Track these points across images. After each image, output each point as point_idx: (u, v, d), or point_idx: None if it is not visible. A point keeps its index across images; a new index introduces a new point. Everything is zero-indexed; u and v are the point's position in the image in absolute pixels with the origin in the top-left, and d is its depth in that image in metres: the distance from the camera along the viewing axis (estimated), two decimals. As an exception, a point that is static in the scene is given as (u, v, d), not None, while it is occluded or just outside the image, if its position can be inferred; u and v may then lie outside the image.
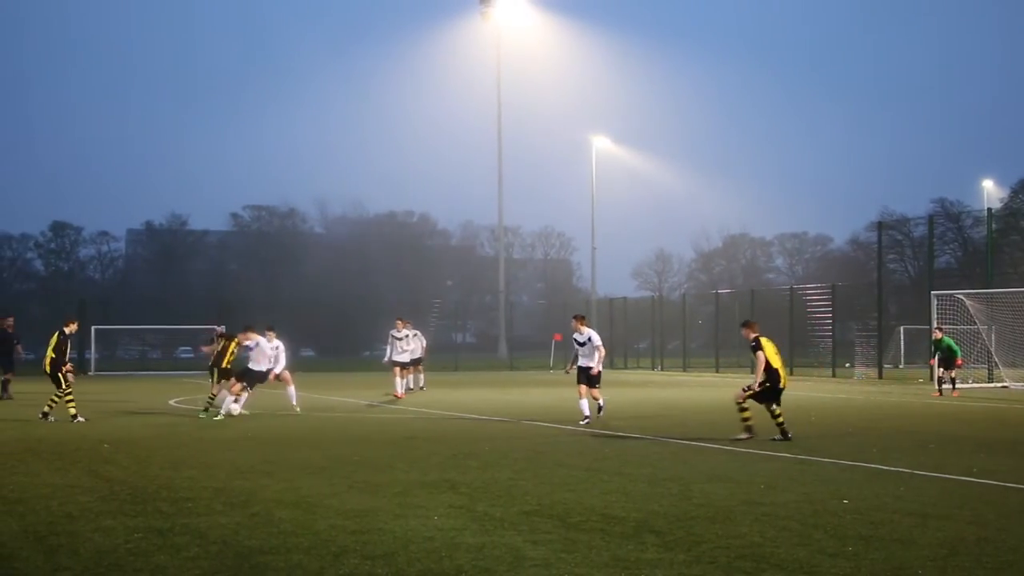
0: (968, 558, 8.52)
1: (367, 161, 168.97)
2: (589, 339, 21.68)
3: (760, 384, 18.00)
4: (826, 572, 8.00)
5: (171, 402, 30.10)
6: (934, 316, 42.42)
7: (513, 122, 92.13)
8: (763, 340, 18.26)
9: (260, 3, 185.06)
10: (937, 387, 33.71)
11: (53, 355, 22.74)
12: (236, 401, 23.54)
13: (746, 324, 19.35)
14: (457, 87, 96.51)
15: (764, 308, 58.79)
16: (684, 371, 57.23)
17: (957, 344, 34.81)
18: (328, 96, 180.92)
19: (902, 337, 65.27)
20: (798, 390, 32.45)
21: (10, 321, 33.04)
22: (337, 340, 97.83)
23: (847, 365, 51.02)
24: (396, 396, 30.22)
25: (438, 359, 60.92)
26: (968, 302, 42.45)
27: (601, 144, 76.76)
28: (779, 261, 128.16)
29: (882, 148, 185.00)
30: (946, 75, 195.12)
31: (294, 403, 25.34)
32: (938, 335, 34.58)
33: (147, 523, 10.26)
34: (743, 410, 18.10)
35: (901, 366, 60.90)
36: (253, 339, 24.03)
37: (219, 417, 22.82)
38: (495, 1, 63.73)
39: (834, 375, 48.69)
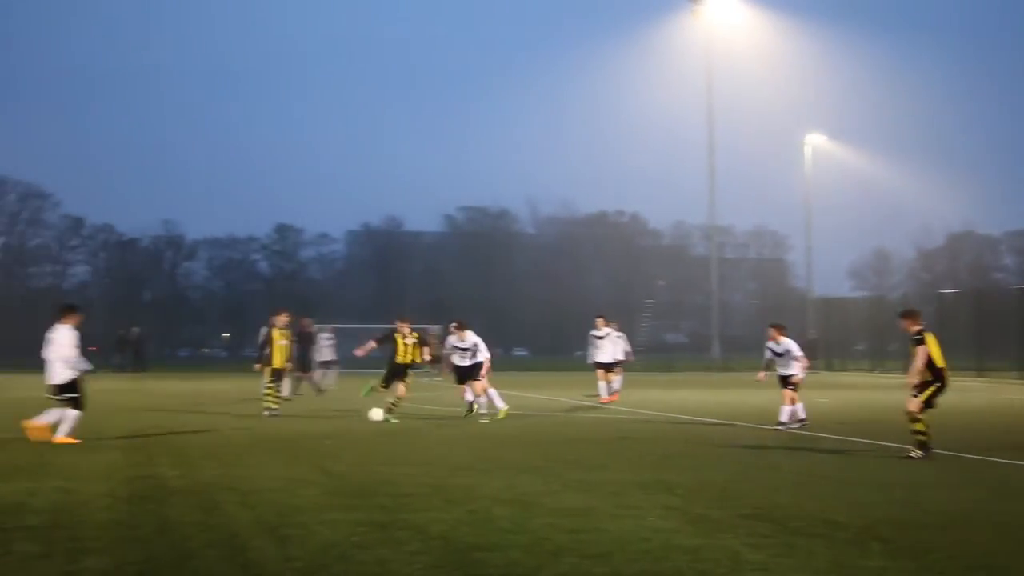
0: None
1: (578, 161, 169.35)
2: (788, 350, 21.19)
3: (927, 384, 15.89)
4: (1065, 585, 7.66)
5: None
6: None
7: (724, 120, 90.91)
8: (928, 336, 16.10)
9: (471, 2, 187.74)
10: None
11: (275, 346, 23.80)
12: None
13: (907, 314, 16.94)
14: (667, 85, 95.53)
15: (991, 310, 56.48)
16: (904, 374, 55.48)
17: None
18: (538, 96, 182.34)
19: None
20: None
21: (307, 322, 34.05)
22: (549, 340, 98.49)
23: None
24: (601, 402, 29.04)
25: (650, 359, 60.76)
26: None
27: (816, 140, 75.26)
28: (1008, 260, 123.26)
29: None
30: None
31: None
32: None
33: (369, 517, 10.47)
34: (916, 421, 15.79)
35: None
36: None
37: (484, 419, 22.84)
38: (705, -1, 63.09)
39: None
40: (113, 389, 34.51)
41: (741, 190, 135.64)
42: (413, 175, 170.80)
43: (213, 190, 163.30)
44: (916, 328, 16.25)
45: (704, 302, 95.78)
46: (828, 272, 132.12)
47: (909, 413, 15.92)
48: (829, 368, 60.21)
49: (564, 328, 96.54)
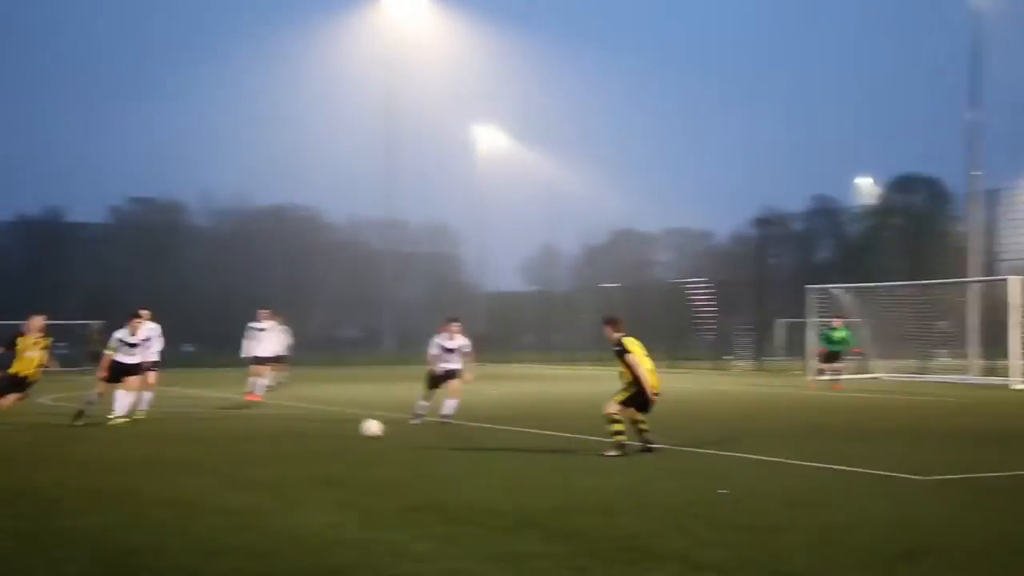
0: (838, 544, 8.70)
1: (254, 154, 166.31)
2: (460, 346, 20.89)
3: (629, 387, 15.39)
4: (704, 561, 8.09)
5: (46, 400, 29.38)
6: (811, 309, 43.30)
7: (402, 116, 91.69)
8: (628, 341, 15.72)
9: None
10: (828, 378, 33.97)
11: None
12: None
13: (609, 321, 16.28)
14: (348, 81, 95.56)
15: (648, 302, 59.39)
16: (571, 365, 57.54)
17: (850, 336, 35.25)
18: (215, 87, 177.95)
19: (781, 330, 66.39)
20: (680, 383, 32.87)
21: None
22: (220, 335, 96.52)
23: (727, 358, 51.80)
24: (247, 399, 26.55)
25: (323, 354, 60.54)
26: (842, 296, 43.42)
27: (490, 139, 76.87)
28: (664, 255, 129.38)
29: (763, 146, 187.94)
30: (822, 78, 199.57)
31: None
32: (836, 324, 34.96)
33: (13, 525, 9.93)
34: (614, 422, 15.23)
35: (780, 358, 61.95)
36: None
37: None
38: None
39: (715, 368, 49.37)
40: None
41: (418, 187, 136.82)
42: (76, 164, 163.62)
43: None
44: (617, 335, 15.77)
45: (378, 296, 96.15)
46: (499, 267, 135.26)
47: (607, 415, 15.33)
48: (498, 360, 61.58)
49: (236, 323, 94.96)
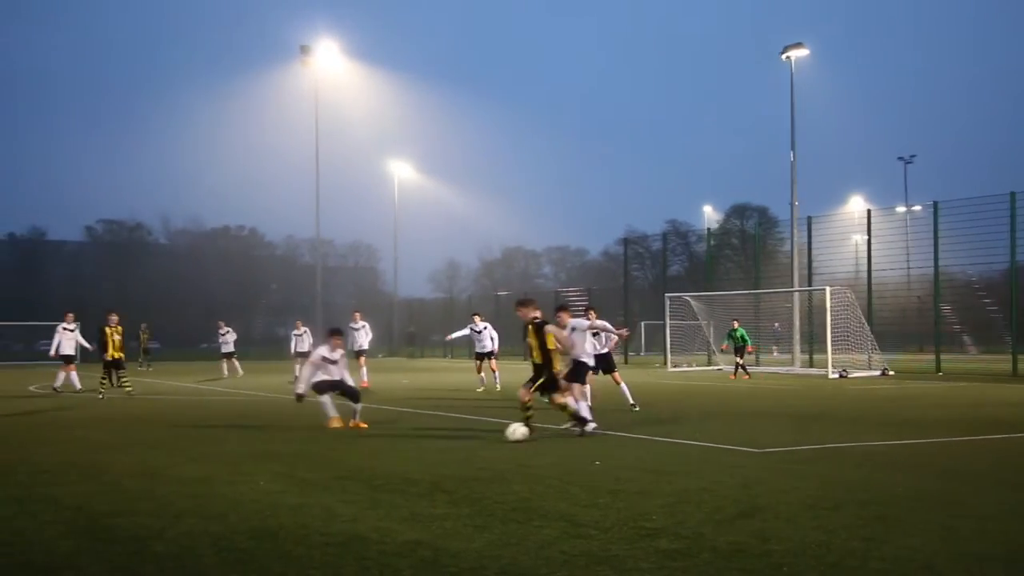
0: (691, 504, 8.83)
1: (205, 182, 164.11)
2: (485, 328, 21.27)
3: (545, 373, 14.41)
4: (581, 519, 8.16)
5: (30, 388, 28.71)
6: (667, 314, 43.86)
7: (329, 152, 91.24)
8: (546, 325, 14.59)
9: (106, 27, 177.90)
10: (736, 371, 33.83)
11: None
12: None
13: (526, 303, 15.18)
14: (283, 121, 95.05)
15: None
16: (470, 359, 57.49)
17: (748, 335, 35.33)
18: (175, 122, 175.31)
19: (643, 330, 67.17)
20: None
21: None
22: (178, 335, 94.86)
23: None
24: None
25: (265, 349, 59.70)
26: (692, 302, 44.05)
27: (402, 169, 76.89)
28: (547, 269, 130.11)
29: (627, 179, 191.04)
30: (675, 121, 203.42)
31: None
32: (735, 325, 34.73)
33: (7, 493, 9.75)
34: (527, 409, 14.35)
35: (642, 354, 62.68)
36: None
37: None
38: (314, 50, 63.14)
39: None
40: None
41: (342, 210, 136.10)
42: (56, 190, 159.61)
43: None
44: (533, 315, 14.73)
45: (310, 303, 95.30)
46: (411, 278, 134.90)
47: (521, 402, 14.48)
48: (412, 356, 61.35)
49: (191, 325, 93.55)
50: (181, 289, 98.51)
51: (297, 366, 31.35)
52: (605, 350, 19.77)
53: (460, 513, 8.52)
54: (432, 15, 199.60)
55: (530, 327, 14.63)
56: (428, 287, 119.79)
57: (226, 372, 35.13)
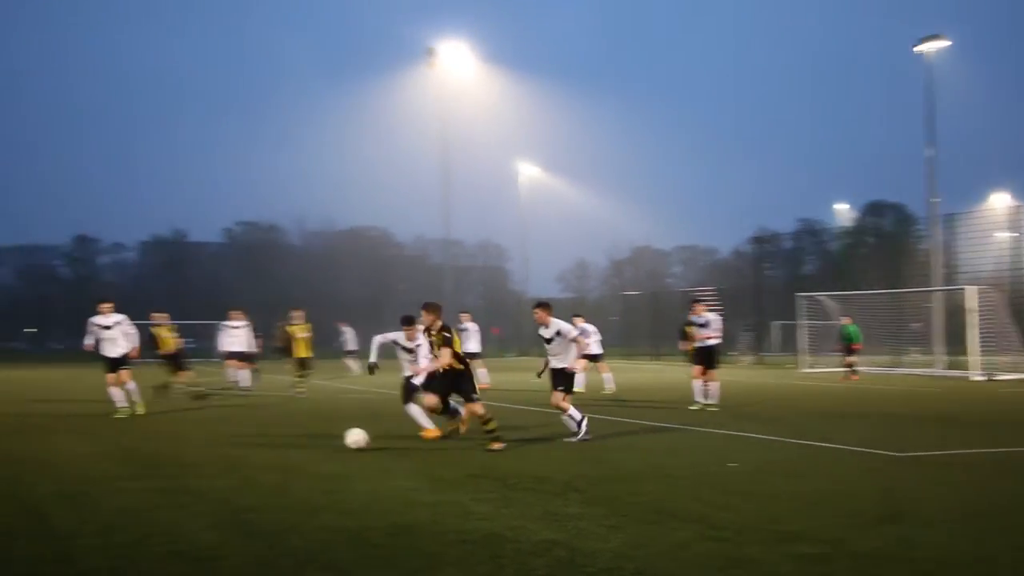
0: (828, 508, 8.64)
1: (337, 185, 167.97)
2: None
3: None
4: (716, 521, 8.06)
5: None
6: (800, 314, 42.99)
7: (457, 152, 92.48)
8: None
9: (242, 33, 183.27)
10: (848, 372, 32.96)
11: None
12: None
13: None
14: (412, 122, 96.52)
15: (664, 307, 59.22)
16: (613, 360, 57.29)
17: (857, 332, 34.44)
18: (308, 127, 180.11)
19: (776, 331, 65.91)
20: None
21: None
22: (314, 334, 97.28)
23: (731, 354, 51.45)
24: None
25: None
26: (826, 302, 43.06)
27: (530, 169, 77.20)
28: (677, 268, 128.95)
29: (759, 176, 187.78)
30: (808, 118, 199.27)
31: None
32: (846, 321, 33.96)
33: (156, 485, 10.14)
34: (488, 422, 13.21)
35: (776, 354, 61.49)
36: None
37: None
38: (441, 52, 63.97)
39: (721, 363, 48.87)
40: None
41: (471, 211, 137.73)
42: (197, 194, 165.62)
43: (16, 202, 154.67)
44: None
45: (440, 302, 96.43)
46: (539, 277, 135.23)
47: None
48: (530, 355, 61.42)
49: (324, 324, 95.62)
50: (314, 289, 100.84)
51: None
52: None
53: (594, 513, 8.50)
54: (561, 14, 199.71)
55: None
56: (557, 286, 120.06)
57: (355, 370, 35.91)
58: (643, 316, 62.80)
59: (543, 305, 14.27)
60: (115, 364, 18.50)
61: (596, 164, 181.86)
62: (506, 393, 24.28)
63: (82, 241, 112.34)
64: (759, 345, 53.28)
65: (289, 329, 24.72)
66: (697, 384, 19.66)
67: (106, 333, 18.59)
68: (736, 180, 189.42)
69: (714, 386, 19.51)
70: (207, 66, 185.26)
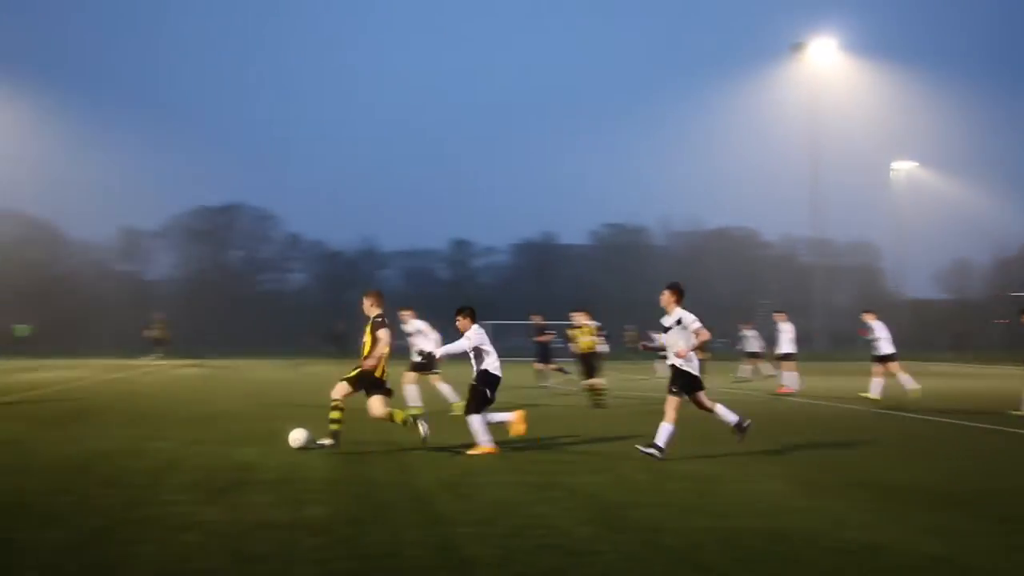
0: None
1: (703, 185, 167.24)
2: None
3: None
4: None
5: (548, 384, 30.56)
6: None
7: (828, 149, 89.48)
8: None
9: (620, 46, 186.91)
10: None
11: None
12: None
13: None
14: (777, 120, 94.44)
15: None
16: (985, 365, 53.51)
17: None
18: (671, 129, 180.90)
19: None
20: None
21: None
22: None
23: None
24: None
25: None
26: None
27: (905, 165, 73.36)
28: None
29: None
30: None
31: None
32: None
33: (531, 480, 10.47)
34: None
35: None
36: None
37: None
38: (810, 47, 62.24)
39: None
40: (327, 371, 35.25)
41: (840, 209, 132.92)
42: (565, 197, 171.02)
43: (403, 211, 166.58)
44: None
45: (810, 302, 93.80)
46: (915, 278, 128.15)
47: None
48: (913, 358, 58.24)
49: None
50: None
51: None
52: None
53: (988, 530, 7.89)
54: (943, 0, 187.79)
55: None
56: (934, 287, 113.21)
57: (762, 371, 35.95)
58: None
59: (674, 288, 12.96)
60: (417, 367, 18.52)
61: (981, 157, 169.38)
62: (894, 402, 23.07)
63: (459, 245, 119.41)
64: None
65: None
66: None
67: (408, 339, 19.32)
68: None
69: None
70: (573, 70, 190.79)
